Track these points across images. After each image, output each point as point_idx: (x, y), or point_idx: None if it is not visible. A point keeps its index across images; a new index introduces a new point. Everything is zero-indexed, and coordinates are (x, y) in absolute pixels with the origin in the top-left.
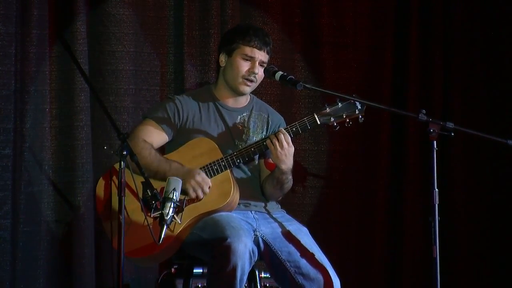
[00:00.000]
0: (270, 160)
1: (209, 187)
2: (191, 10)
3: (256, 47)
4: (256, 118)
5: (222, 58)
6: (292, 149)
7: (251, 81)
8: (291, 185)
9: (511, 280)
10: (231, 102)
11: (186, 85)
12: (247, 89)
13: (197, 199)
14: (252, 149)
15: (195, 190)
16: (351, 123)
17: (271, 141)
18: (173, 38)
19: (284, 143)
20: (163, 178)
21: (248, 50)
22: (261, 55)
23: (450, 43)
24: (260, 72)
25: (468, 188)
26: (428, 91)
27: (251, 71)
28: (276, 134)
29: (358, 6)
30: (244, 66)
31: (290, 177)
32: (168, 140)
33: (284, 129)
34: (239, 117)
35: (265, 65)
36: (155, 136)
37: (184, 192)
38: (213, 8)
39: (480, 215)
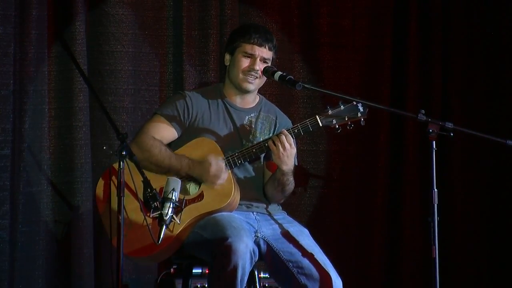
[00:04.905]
0: (272, 161)
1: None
2: (190, 10)
3: (256, 44)
4: (264, 119)
5: (227, 58)
6: (294, 150)
7: (252, 77)
8: (293, 187)
9: (511, 280)
10: (239, 102)
11: (185, 85)
12: (250, 86)
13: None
14: (254, 150)
15: (213, 182)
16: (353, 125)
17: (273, 143)
18: (172, 38)
19: (286, 144)
20: (177, 174)
21: (248, 47)
22: (262, 52)
23: (449, 43)
24: (262, 67)
25: (467, 188)
26: (427, 91)
27: (251, 67)
28: (278, 135)
29: (357, 6)
30: (245, 63)
31: (292, 179)
32: (177, 136)
33: (286, 131)
34: (247, 117)
35: (268, 62)
36: (165, 132)
37: (204, 182)
38: (212, 8)
39: (479, 215)
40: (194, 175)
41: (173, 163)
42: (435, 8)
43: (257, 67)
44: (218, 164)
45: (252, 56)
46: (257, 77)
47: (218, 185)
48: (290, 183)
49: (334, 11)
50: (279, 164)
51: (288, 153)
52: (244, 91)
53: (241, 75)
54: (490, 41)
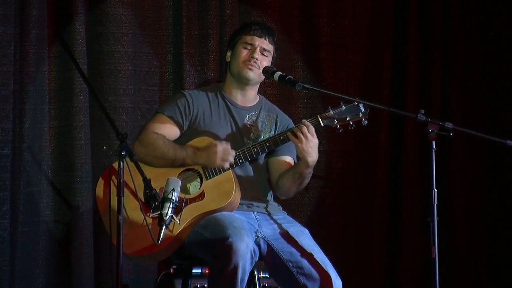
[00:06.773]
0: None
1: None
2: (190, 10)
3: (255, 35)
4: (265, 118)
5: (228, 54)
6: (317, 141)
7: (251, 65)
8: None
9: (510, 280)
10: (240, 100)
11: (185, 85)
12: (250, 73)
13: (201, 197)
14: (255, 149)
15: (221, 165)
16: (354, 126)
17: (295, 135)
18: (172, 38)
19: (309, 135)
20: (182, 164)
21: (248, 38)
22: (262, 43)
23: (449, 43)
24: (262, 59)
25: (467, 188)
26: (427, 91)
27: (251, 56)
28: (298, 127)
29: (357, 7)
30: (245, 52)
31: (312, 171)
32: (179, 134)
33: (288, 130)
34: (247, 115)
35: (268, 54)
36: (167, 130)
37: (211, 166)
38: (212, 8)
39: (479, 215)
40: (200, 162)
41: (178, 153)
42: (435, 8)
43: (256, 55)
44: (224, 146)
45: (252, 46)
46: (256, 66)
47: (226, 167)
48: (310, 176)
49: (334, 11)
50: (304, 156)
51: (312, 144)
52: (245, 80)
53: (241, 64)
54: (490, 41)
